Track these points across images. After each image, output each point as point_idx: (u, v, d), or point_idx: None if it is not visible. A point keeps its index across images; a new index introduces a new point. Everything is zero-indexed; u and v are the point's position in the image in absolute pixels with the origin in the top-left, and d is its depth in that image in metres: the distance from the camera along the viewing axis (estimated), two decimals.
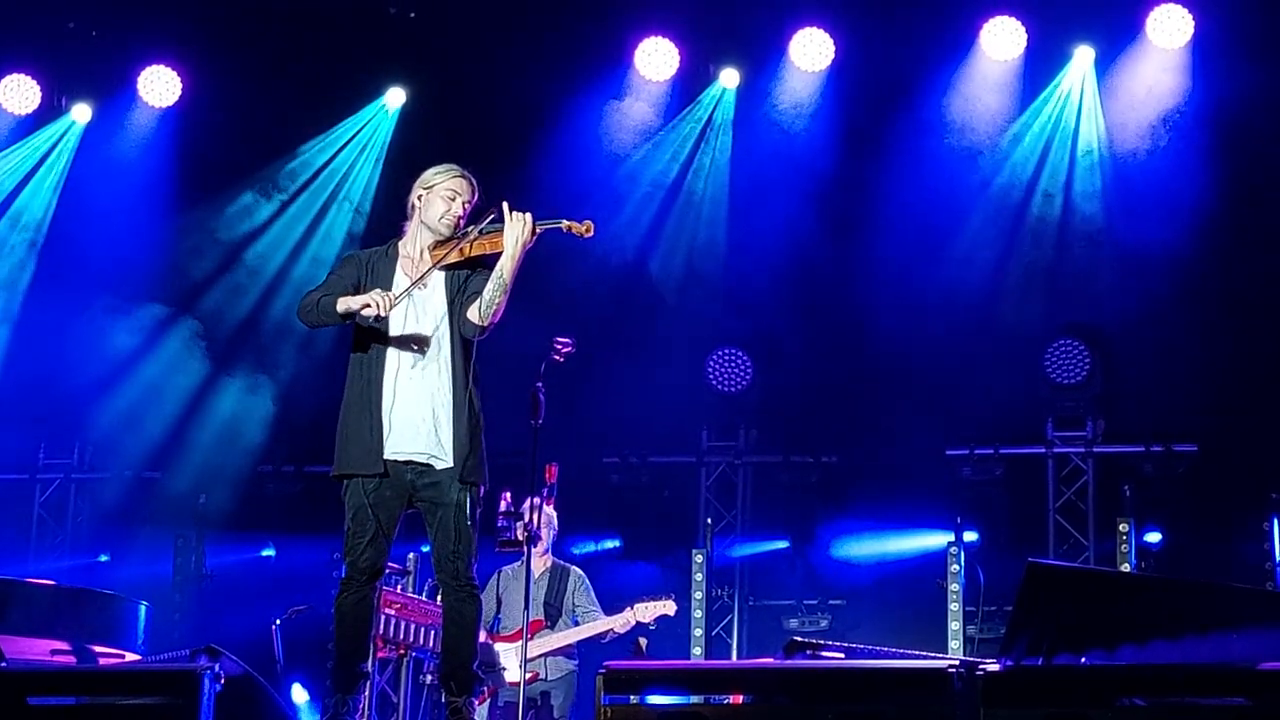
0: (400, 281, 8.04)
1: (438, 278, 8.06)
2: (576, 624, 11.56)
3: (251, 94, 14.96)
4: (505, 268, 7.93)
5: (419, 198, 8.16)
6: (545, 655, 11.34)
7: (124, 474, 15.61)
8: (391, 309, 7.81)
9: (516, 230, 7.93)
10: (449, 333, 8.02)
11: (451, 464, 7.91)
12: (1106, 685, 6.78)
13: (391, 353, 7.97)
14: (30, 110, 15.48)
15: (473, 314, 7.97)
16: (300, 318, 8.13)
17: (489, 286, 7.94)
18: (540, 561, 11.45)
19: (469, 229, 8.08)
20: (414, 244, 8.16)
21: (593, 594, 11.70)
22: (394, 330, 7.97)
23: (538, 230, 8.00)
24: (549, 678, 11.43)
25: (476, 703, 8.34)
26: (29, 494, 15.95)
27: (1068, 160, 14.54)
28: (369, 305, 7.79)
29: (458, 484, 7.90)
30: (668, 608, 11.49)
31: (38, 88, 15.42)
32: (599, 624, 11.48)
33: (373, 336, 7.98)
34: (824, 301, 14.70)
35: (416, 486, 7.95)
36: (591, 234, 8.11)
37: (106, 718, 7.26)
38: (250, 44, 14.90)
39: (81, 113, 15.54)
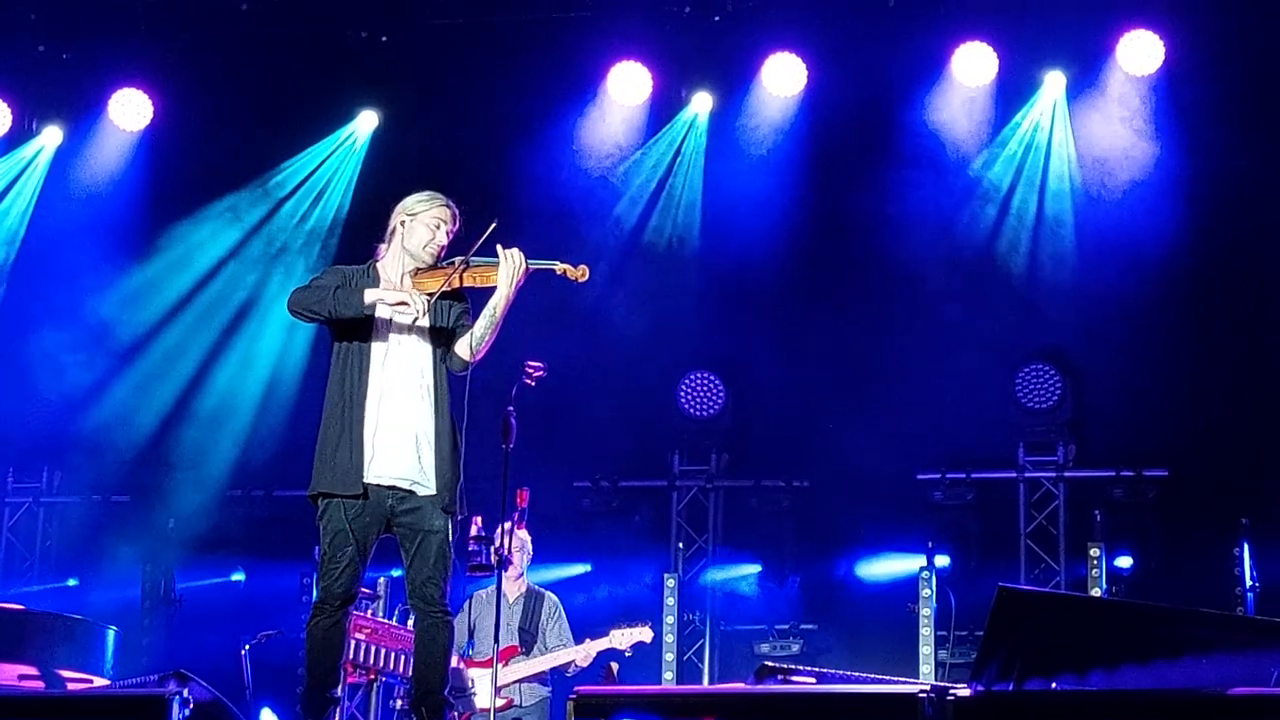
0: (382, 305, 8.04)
1: (419, 305, 8.05)
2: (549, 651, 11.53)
3: (223, 118, 14.95)
4: (498, 306, 7.96)
5: (401, 223, 8.15)
6: (520, 681, 11.31)
7: (93, 498, 15.56)
8: (424, 315, 7.82)
9: (511, 268, 7.94)
10: (432, 360, 8.01)
11: (434, 491, 7.90)
12: (1077, 711, 6.78)
13: (374, 377, 7.96)
14: (1, 133, 15.44)
15: (462, 350, 8.00)
16: (300, 307, 8.01)
17: (480, 323, 7.97)
18: (514, 586, 11.43)
19: (454, 259, 8.07)
20: (394, 268, 8.15)
21: (566, 624, 11.64)
22: (376, 355, 7.97)
23: (529, 269, 8.00)
24: (523, 704, 11.39)
25: None
26: None
27: (1039, 185, 14.57)
28: (405, 305, 7.82)
29: (440, 511, 7.89)
30: (644, 635, 11.46)
31: (8, 110, 15.39)
32: (574, 651, 11.44)
33: (354, 359, 7.96)
34: (796, 326, 14.71)
35: (396, 512, 7.92)
36: (586, 279, 8.10)
37: None
38: (222, 68, 14.89)
39: (52, 136, 15.50)
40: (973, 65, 14.38)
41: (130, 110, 15.28)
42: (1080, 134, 14.47)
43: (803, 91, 14.66)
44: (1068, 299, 14.41)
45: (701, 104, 15.03)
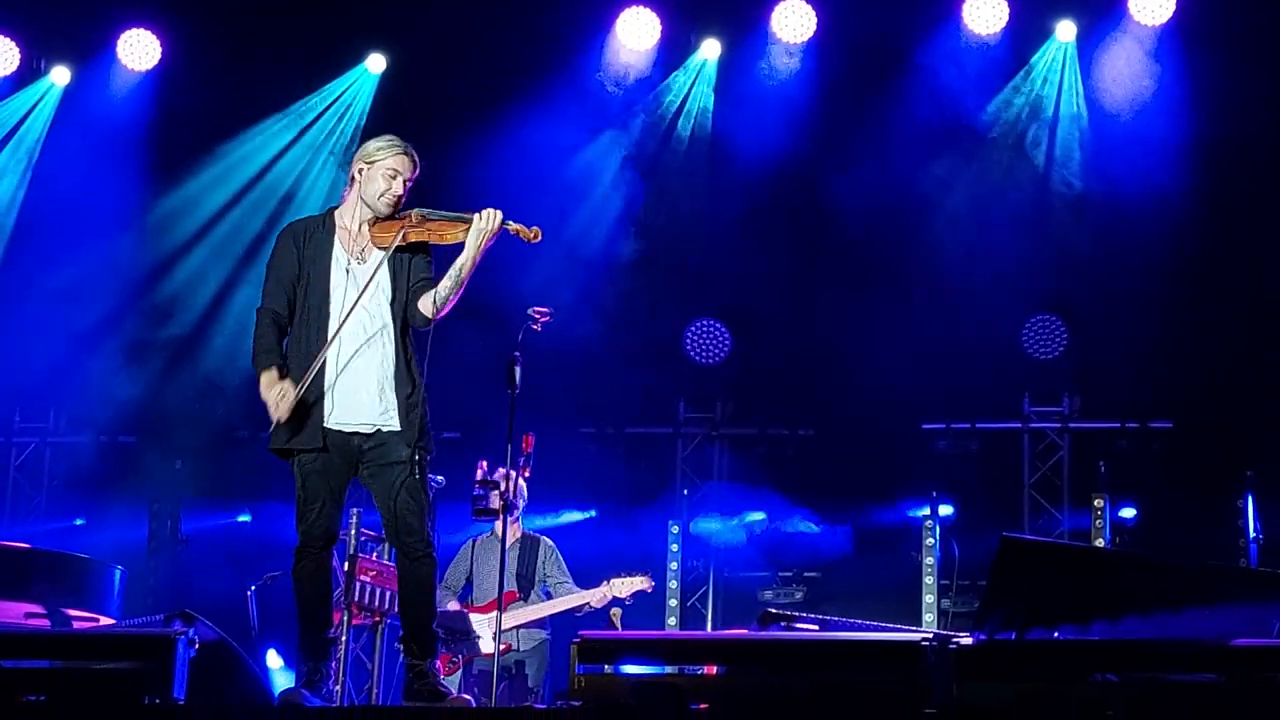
0: (339, 257, 7.97)
1: (378, 254, 8.00)
2: (547, 594, 11.58)
3: (231, 58, 14.90)
4: (465, 266, 7.88)
5: (360, 171, 8.04)
6: (518, 627, 11.35)
7: (100, 438, 15.58)
8: (282, 417, 7.83)
9: (484, 227, 7.87)
10: (391, 310, 7.95)
11: (399, 427, 7.87)
12: (1079, 660, 6.80)
13: (333, 330, 7.89)
14: (9, 72, 15.42)
15: (425, 306, 7.92)
16: (253, 338, 8.11)
17: (445, 283, 7.89)
18: (510, 532, 11.47)
19: (411, 211, 7.98)
20: (352, 217, 8.05)
21: (563, 564, 11.71)
22: (335, 307, 7.89)
23: (498, 230, 7.92)
24: (521, 648, 11.45)
25: (442, 671, 8.32)
26: (4, 457, 15.94)
27: (1047, 136, 14.55)
28: (270, 408, 7.85)
29: (405, 446, 7.85)
30: (645, 584, 11.50)
31: (17, 50, 15.36)
32: (575, 598, 11.48)
33: (313, 314, 7.90)
34: (802, 274, 14.70)
35: (363, 450, 7.90)
36: (539, 240, 8.03)
37: (80, 681, 7.25)
38: (230, 8, 14.83)
39: (61, 75, 15.47)
40: (984, 13, 14.34)
41: (138, 50, 15.25)
42: (1090, 84, 14.44)
43: (812, 38, 14.63)
44: (1075, 250, 14.39)
45: (710, 50, 14.99)
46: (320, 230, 8.06)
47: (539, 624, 11.52)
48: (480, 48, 14.65)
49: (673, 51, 15.04)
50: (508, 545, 11.37)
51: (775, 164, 14.55)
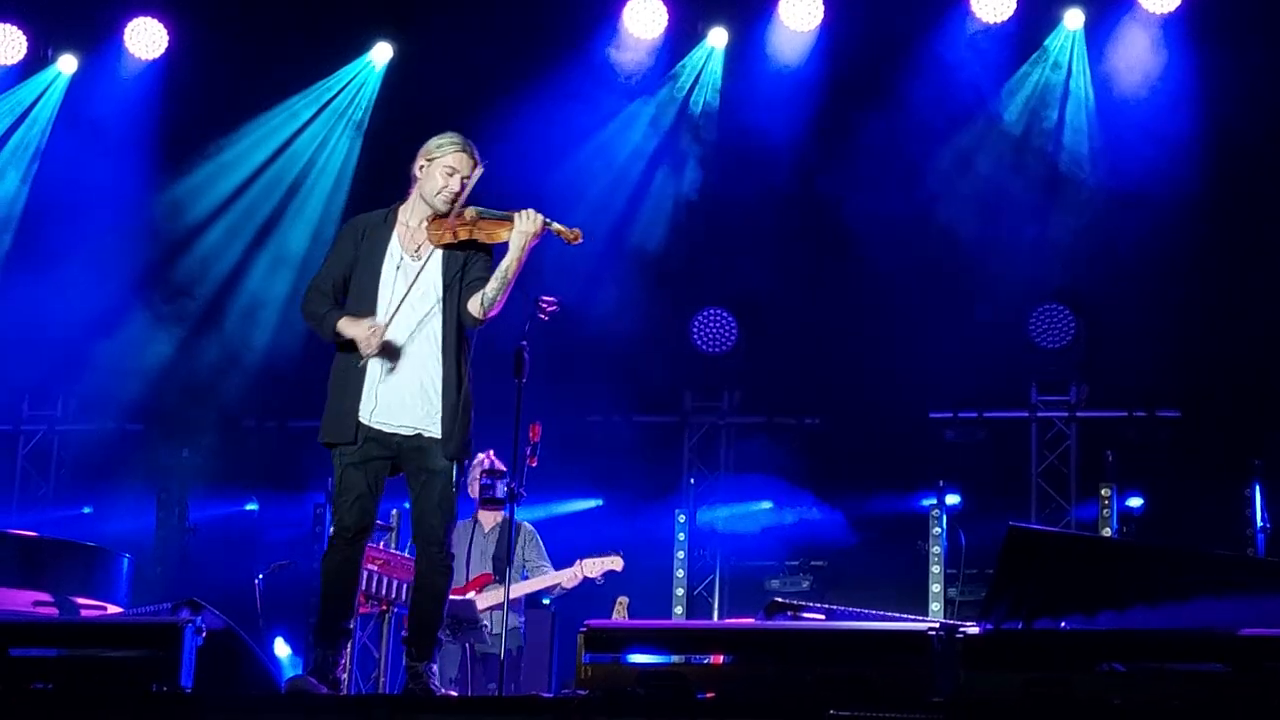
0: (394, 252, 7.99)
1: (434, 252, 8.01)
2: (526, 579, 11.60)
3: (238, 47, 14.90)
4: (510, 267, 7.89)
5: (420, 168, 8.06)
6: (491, 609, 11.36)
7: (108, 426, 15.59)
8: (377, 344, 7.81)
9: (525, 228, 7.88)
10: (442, 308, 7.96)
11: (439, 435, 7.89)
12: (1086, 650, 6.80)
13: (379, 321, 7.91)
14: (16, 60, 15.42)
15: (474, 307, 7.93)
16: (303, 315, 8.14)
17: (491, 285, 7.90)
18: (491, 516, 11.53)
19: (466, 210, 7.99)
20: (413, 213, 8.08)
21: (543, 549, 11.74)
22: (383, 304, 7.92)
23: (542, 230, 7.93)
24: (494, 630, 11.47)
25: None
26: (13, 445, 15.94)
27: (1055, 125, 14.53)
28: (362, 342, 7.80)
29: (443, 457, 7.88)
30: (615, 564, 11.54)
31: (24, 38, 15.37)
32: (547, 578, 11.54)
33: (363, 309, 7.93)
34: (810, 264, 14.69)
35: (403, 449, 7.94)
36: (579, 241, 8.03)
37: (88, 670, 7.27)
38: None
39: (67, 64, 15.48)
40: (992, 2, 14.32)
41: (145, 39, 15.26)
42: (1098, 73, 14.43)
43: (820, 26, 14.61)
44: (1082, 239, 14.38)
45: (718, 38, 14.98)
46: (381, 225, 8.09)
47: (514, 608, 11.53)
48: (487, 37, 14.64)
49: (680, 40, 15.03)
50: (488, 529, 11.49)
51: (782, 152, 14.54)
